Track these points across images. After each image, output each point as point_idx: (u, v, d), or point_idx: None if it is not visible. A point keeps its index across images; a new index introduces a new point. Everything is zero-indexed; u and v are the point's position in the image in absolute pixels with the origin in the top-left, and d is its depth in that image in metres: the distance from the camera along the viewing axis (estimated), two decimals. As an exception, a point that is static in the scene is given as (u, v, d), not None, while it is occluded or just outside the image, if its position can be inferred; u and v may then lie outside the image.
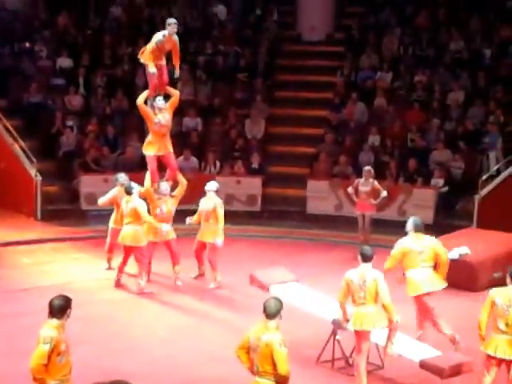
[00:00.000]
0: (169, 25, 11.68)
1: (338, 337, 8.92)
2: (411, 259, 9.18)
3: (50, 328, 6.42)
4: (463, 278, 11.71)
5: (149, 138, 12.02)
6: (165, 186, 11.89)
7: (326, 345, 9.03)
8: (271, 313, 6.51)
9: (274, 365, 6.38)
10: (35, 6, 20.22)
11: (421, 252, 9.15)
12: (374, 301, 8.12)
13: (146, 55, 11.73)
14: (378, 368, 8.98)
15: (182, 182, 12.20)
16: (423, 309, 9.20)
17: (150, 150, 11.98)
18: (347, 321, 8.36)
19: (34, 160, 15.82)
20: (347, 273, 8.27)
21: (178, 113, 17.93)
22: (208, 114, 18.14)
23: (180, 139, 17.41)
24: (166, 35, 11.66)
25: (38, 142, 17.17)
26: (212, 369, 9.01)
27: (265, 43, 20.10)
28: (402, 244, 9.46)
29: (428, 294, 9.11)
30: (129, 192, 11.46)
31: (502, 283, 7.99)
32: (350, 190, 14.03)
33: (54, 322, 6.45)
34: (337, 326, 8.81)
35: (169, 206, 11.83)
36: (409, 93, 18.46)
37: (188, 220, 11.98)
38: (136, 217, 11.32)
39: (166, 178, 12.22)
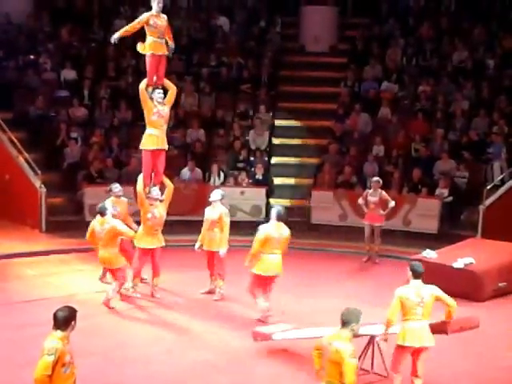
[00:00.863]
0: (156, 3, 11.65)
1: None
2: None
3: (54, 339, 6.40)
4: (468, 288, 11.68)
5: (147, 132, 11.87)
6: (156, 190, 11.80)
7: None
8: (346, 321, 6.53)
9: (341, 374, 6.39)
10: (39, 19, 20.30)
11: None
12: (428, 316, 7.94)
13: (147, 46, 11.71)
14: (383, 378, 8.93)
15: (169, 184, 12.03)
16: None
17: (148, 144, 11.84)
18: (386, 340, 8.13)
19: (39, 172, 15.85)
20: (400, 290, 7.93)
21: (182, 124, 18.10)
22: (212, 126, 18.17)
23: (184, 150, 17.50)
24: (154, 13, 11.65)
25: (43, 153, 17.21)
26: (217, 380, 8.98)
27: (268, 55, 20.16)
28: (264, 230, 10.37)
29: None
30: (102, 213, 11.19)
31: (507, 292, 7.97)
32: (361, 201, 14.06)
33: (59, 333, 6.43)
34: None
35: (160, 210, 11.75)
36: (413, 103, 18.48)
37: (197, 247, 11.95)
38: (112, 239, 11.12)
39: (154, 182, 12.01)
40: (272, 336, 9.59)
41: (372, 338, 8.79)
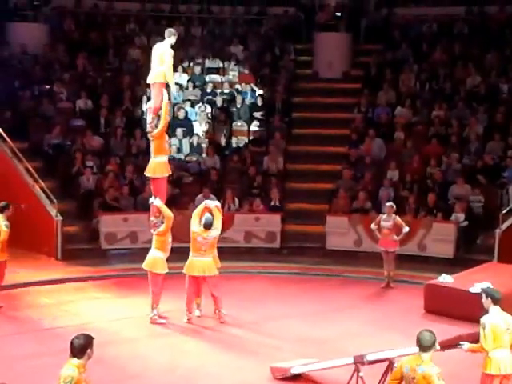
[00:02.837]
0: (173, 35, 11.70)
1: (361, 374, 8.80)
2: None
3: (70, 367, 6.40)
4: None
5: (160, 159, 11.83)
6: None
7: (349, 382, 8.91)
8: (425, 345, 6.44)
9: None
10: (55, 49, 20.54)
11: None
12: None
13: (170, 76, 11.65)
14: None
15: (168, 215, 11.78)
16: None
17: (163, 171, 11.89)
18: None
19: (55, 200, 15.94)
20: (488, 319, 7.72)
21: (197, 151, 18.20)
22: (226, 153, 18.25)
23: (199, 177, 17.57)
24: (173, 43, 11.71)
25: (58, 182, 17.30)
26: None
27: (282, 81, 20.27)
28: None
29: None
30: None
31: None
32: (374, 226, 14.01)
33: (75, 361, 6.43)
34: (359, 362, 8.70)
35: None
36: (427, 128, 18.49)
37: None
38: None
39: (153, 214, 11.90)
40: (291, 370, 9.51)
41: (391, 363, 8.72)
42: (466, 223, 15.84)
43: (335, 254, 16.12)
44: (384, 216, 13.92)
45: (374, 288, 14.04)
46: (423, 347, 6.44)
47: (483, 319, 7.73)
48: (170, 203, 16.40)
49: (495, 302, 7.81)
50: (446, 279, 12.40)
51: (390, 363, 8.75)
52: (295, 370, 9.50)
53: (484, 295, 7.90)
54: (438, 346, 6.58)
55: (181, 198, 16.81)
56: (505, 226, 15.27)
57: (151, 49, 12.07)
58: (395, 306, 12.81)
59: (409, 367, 6.47)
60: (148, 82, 11.89)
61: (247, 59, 21.10)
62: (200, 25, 22.18)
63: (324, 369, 9.41)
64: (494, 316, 7.73)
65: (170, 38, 11.67)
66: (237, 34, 21.86)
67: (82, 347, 6.44)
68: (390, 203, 14.13)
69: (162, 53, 11.56)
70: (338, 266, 15.40)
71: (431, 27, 21.53)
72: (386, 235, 13.83)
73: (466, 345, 7.96)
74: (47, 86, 19.29)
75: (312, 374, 9.65)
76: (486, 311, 7.83)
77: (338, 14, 21.16)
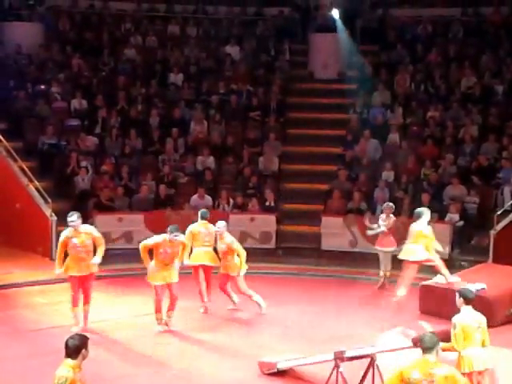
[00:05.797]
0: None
1: (340, 369, 8.80)
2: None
3: (65, 368, 6.40)
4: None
5: (152, 266, 11.39)
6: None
7: (329, 378, 8.90)
8: (429, 346, 6.42)
9: None
10: (50, 49, 20.50)
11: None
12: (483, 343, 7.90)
13: None
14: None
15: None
16: None
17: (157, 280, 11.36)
18: None
19: (49, 200, 15.91)
20: (458, 319, 7.80)
21: (192, 152, 18.19)
22: (221, 153, 18.25)
23: (194, 178, 17.57)
24: None
25: (53, 182, 17.28)
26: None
27: (277, 82, 20.27)
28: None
29: None
30: None
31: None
32: (374, 229, 14.01)
33: (70, 361, 6.43)
34: (339, 358, 8.69)
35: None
36: (422, 129, 18.51)
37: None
38: None
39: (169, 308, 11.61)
40: (277, 365, 9.60)
41: (372, 359, 8.74)
42: (461, 223, 15.87)
43: (330, 255, 16.13)
44: (383, 216, 13.93)
45: (369, 288, 14.05)
46: (427, 349, 6.42)
47: (454, 319, 7.84)
48: (165, 203, 16.58)
49: (467, 301, 7.94)
50: (440, 280, 12.42)
51: (372, 360, 8.78)
52: (281, 365, 9.59)
53: (457, 294, 8.03)
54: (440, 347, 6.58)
55: (176, 198, 16.81)
56: (499, 226, 15.27)
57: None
58: (390, 306, 12.81)
59: (420, 372, 6.36)
60: None
61: (242, 59, 21.09)
62: (195, 25, 22.17)
63: (307, 364, 9.49)
64: (465, 315, 7.85)
65: None
66: (232, 34, 21.85)
67: (76, 348, 6.43)
68: (390, 204, 14.11)
69: None
70: (333, 267, 15.42)
71: (426, 28, 21.56)
72: (383, 235, 13.84)
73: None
74: (42, 86, 19.27)
75: (298, 370, 9.69)
76: (458, 310, 7.94)
77: (333, 14, 21.11)
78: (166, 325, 11.51)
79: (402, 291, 12.50)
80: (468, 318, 7.84)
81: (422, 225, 12.36)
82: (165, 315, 11.54)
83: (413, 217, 12.88)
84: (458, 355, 7.82)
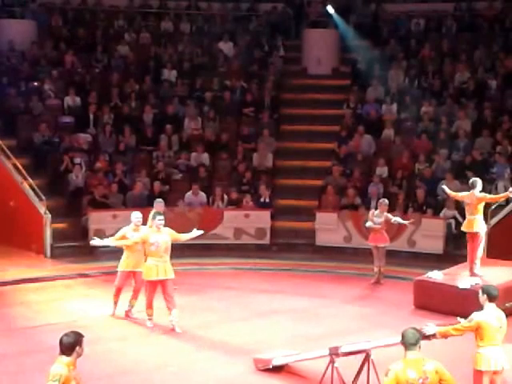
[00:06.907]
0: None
1: (336, 364, 8.80)
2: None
3: (59, 365, 6.38)
4: (474, 309, 11.58)
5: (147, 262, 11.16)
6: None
7: (324, 373, 8.91)
8: (412, 342, 6.34)
9: None
10: (43, 46, 20.45)
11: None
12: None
13: None
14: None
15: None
16: None
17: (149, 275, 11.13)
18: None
19: (43, 198, 15.88)
20: (480, 316, 7.59)
21: (186, 148, 18.18)
22: (215, 149, 18.24)
23: (188, 174, 17.56)
24: None
25: (47, 179, 17.27)
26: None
27: (271, 78, 20.26)
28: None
29: None
30: None
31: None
32: (369, 223, 13.96)
33: (64, 358, 6.41)
34: (334, 353, 8.69)
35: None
36: (416, 124, 18.52)
37: None
38: None
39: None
40: (272, 361, 9.58)
41: (368, 355, 8.74)
42: (455, 218, 15.87)
43: (325, 250, 16.17)
44: (377, 212, 13.92)
45: (363, 284, 14.07)
46: (411, 344, 6.34)
47: (475, 316, 7.63)
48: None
49: (491, 299, 7.70)
50: (435, 275, 12.45)
51: (367, 355, 8.78)
52: (276, 362, 9.58)
53: (481, 291, 7.79)
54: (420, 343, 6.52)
55: (170, 195, 16.79)
56: (493, 221, 15.32)
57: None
58: (385, 301, 12.83)
59: (415, 371, 6.31)
60: None
61: (236, 56, 21.07)
62: (189, 21, 22.15)
63: (302, 360, 9.47)
64: (488, 315, 7.65)
65: None
66: (226, 30, 21.82)
67: (70, 345, 6.41)
68: (385, 200, 14.09)
69: None
70: (328, 262, 15.44)
71: (420, 23, 21.58)
72: (377, 231, 13.85)
73: (432, 327, 7.70)
74: (35, 83, 19.23)
75: (293, 366, 9.68)
76: (481, 307, 7.74)
77: (327, 10, 21.12)
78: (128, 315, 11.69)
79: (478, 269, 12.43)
80: (491, 318, 7.61)
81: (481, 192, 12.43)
82: (129, 303, 11.73)
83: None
84: (476, 352, 7.66)
